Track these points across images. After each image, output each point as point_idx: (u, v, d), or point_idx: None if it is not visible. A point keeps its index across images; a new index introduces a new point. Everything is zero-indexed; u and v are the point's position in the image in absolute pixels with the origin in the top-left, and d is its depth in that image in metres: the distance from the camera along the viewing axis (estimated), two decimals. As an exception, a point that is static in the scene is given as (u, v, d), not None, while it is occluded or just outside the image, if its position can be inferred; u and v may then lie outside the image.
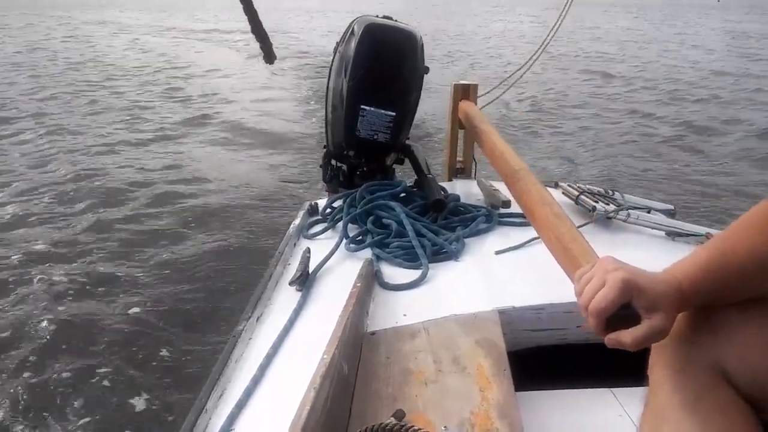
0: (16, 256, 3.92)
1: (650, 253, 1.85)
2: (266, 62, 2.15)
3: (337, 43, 2.42)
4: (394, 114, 2.23)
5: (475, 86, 2.63)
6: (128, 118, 8.10)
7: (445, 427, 1.00)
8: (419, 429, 1.03)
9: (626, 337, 0.78)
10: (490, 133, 2.20)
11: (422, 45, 2.29)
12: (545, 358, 1.51)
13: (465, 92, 2.61)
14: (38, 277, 3.64)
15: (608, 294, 0.78)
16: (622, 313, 0.78)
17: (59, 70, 11.78)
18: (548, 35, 2.80)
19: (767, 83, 10.47)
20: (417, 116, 2.42)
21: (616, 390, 1.29)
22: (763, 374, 0.80)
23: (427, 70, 2.32)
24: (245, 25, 1.91)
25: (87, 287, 3.54)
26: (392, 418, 1.08)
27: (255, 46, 2.05)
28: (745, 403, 0.80)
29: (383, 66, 2.21)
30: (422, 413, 1.13)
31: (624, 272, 0.79)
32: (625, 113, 8.61)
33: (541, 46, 2.80)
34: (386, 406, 1.15)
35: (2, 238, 4.21)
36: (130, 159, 6.22)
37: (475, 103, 2.62)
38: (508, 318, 1.47)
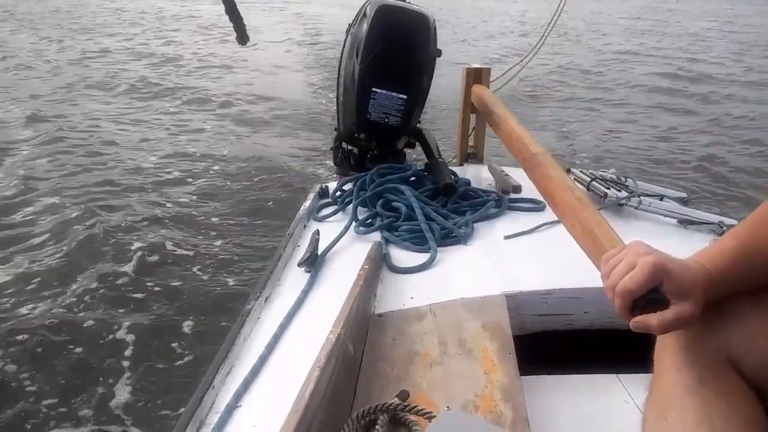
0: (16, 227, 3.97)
1: (662, 241, 1.82)
2: (239, 43, 2.12)
3: (349, 24, 2.41)
4: (405, 97, 2.21)
5: (488, 70, 2.60)
6: (131, 93, 8.09)
7: (447, 407, 1.01)
8: (422, 409, 1.04)
9: (653, 321, 0.78)
10: (506, 117, 2.18)
11: (435, 27, 2.26)
12: (552, 343, 1.51)
13: (477, 76, 2.59)
14: (45, 251, 3.69)
15: (638, 276, 0.78)
16: (651, 297, 0.78)
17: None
18: (553, 17, 2.76)
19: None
20: (429, 100, 2.40)
21: (622, 376, 1.29)
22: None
23: (439, 53, 2.30)
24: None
25: (96, 264, 3.58)
26: (396, 398, 1.09)
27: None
28: (749, 389, 0.80)
29: (395, 48, 2.19)
30: (426, 394, 1.14)
31: (655, 257, 0.79)
32: (638, 97, 8.50)
33: (547, 26, 2.77)
34: (391, 387, 1.16)
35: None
36: (132, 137, 6.21)
37: (488, 87, 2.60)
38: (515, 302, 1.47)
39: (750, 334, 0.80)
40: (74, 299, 3.22)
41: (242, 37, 2.07)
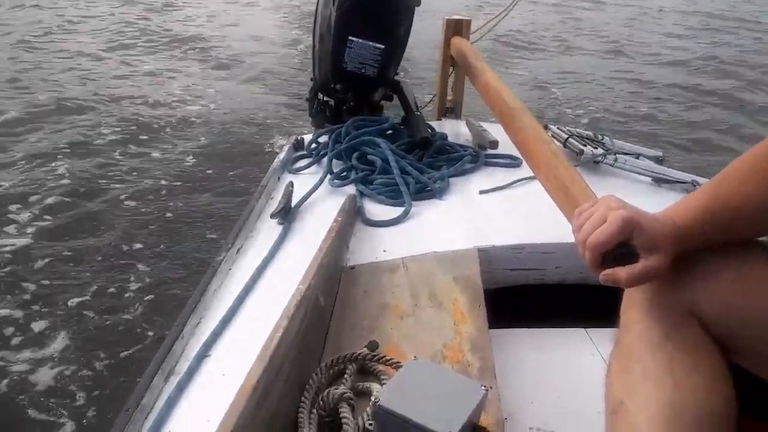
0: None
1: (635, 198, 1.82)
2: None
3: None
4: (382, 47, 2.15)
5: (468, 21, 2.54)
6: (90, 35, 7.77)
7: (415, 357, 1.01)
8: (391, 359, 1.05)
9: (622, 274, 0.78)
10: (484, 70, 2.15)
11: None
12: (522, 297, 1.53)
13: (457, 28, 2.52)
14: (20, 208, 3.61)
15: (608, 229, 0.78)
16: (620, 251, 0.78)
17: None
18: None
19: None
20: (407, 51, 2.35)
21: (590, 330, 1.31)
22: (734, 316, 0.80)
23: (418, 2, 2.24)
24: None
25: (68, 216, 3.51)
26: (365, 349, 1.09)
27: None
28: (713, 344, 0.81)
29: None
30: (396, 345, 1.14)
31: (626, 211, 0.79)
32: (621, 54, 8.44)
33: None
34: (361, 338, 1.16)
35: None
36: (92, 83, 5.94)
37: (468, 40, 2.55)
38: (487, 256, 1.47)
39: (715, 288, 0.81)
40: (40, 254, 3.16)
41: None
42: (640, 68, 7.87)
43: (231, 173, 4.10)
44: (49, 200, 3.67)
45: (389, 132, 2.15)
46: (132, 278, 2.95)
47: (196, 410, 1.04)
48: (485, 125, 2.35)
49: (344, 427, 0.92)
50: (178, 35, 8.00)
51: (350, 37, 2.12)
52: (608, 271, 0.80)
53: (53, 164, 4.16)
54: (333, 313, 1.25)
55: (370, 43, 2.14)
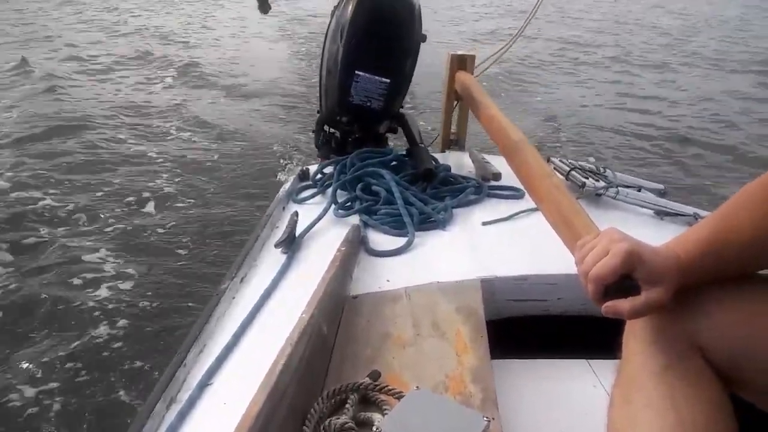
0: None
1: (637, 231, 1.83)
2: (261, 12, 2.09)
3: (334, 6, 2.39)
4: (388, 81, 2.20)
5: (473, 57, 2.59)
6: (104, 62, 7.96)
7: (417, 387, 1.01)
8: (393, 389, 1.05)
9: (624, 306, 0.79)
10: (488, 105, 2.19)
11: (420, 12, 2.25)
12: (525, 328, 1.53)
13: (462, 63, 2.58)
14: (26, 234, 3.64)
15: (611, 262, 0.79)
16: (623, 284, 0.79)
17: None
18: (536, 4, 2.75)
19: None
20: (412, 84, 2.39)
21: (592, 362, 1.31)
22: (736, 348, 0.81)
23: (424, 38, 2.29)
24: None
25: (72, 237, 3.54)
26: (368, 378, 1.09)
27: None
28: (715, 375, 0.81)
29: (379, 32, 2.18)
30: (398, 375, 1.14)
31: (629, 243, 0.80)
32: (623, 87, 8.54)
33: (530, 13, 2.76)
34: (363, 367, 1.16)
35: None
36: (107, 108, 6.09)
37: (472, 74, 2.60)
38: (490, 287, 1.48)
39: (717, 320, 0.82)
40: (45, 273, 3.20)
41: (263, 5, 2.05)
42: (643, 101, 7.95)
43: (236, 203, 4.14)
44: (53, 229, 3.71)
45: (393, 163, 2.17)
46: (136, 305, 2.96)
47: None
48: (488, 157, 2.37)
49: (346, 457, 0.92)
50: (183, 65, 8.19)
51: (357, 72, 2.17)
52: (610, 303, 0.80)
53: (59, 191, 4.22)
54: (336, 343, 1.25)
55: (376, 77, 2.18)
